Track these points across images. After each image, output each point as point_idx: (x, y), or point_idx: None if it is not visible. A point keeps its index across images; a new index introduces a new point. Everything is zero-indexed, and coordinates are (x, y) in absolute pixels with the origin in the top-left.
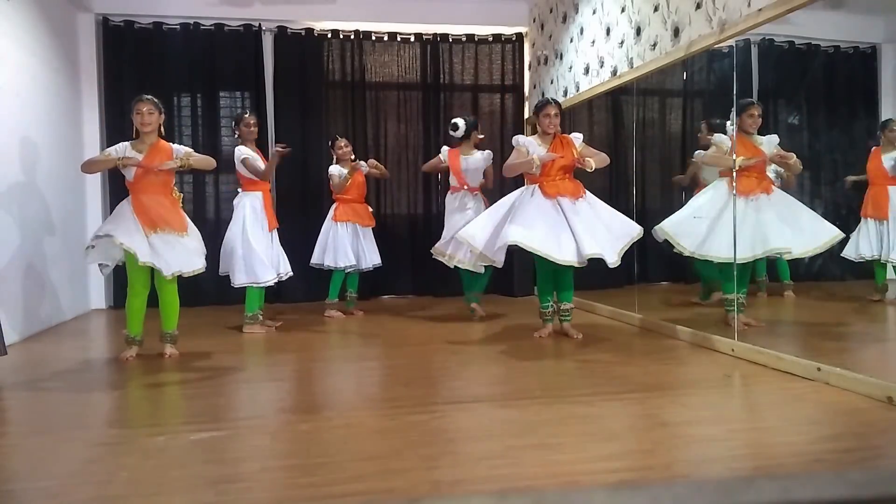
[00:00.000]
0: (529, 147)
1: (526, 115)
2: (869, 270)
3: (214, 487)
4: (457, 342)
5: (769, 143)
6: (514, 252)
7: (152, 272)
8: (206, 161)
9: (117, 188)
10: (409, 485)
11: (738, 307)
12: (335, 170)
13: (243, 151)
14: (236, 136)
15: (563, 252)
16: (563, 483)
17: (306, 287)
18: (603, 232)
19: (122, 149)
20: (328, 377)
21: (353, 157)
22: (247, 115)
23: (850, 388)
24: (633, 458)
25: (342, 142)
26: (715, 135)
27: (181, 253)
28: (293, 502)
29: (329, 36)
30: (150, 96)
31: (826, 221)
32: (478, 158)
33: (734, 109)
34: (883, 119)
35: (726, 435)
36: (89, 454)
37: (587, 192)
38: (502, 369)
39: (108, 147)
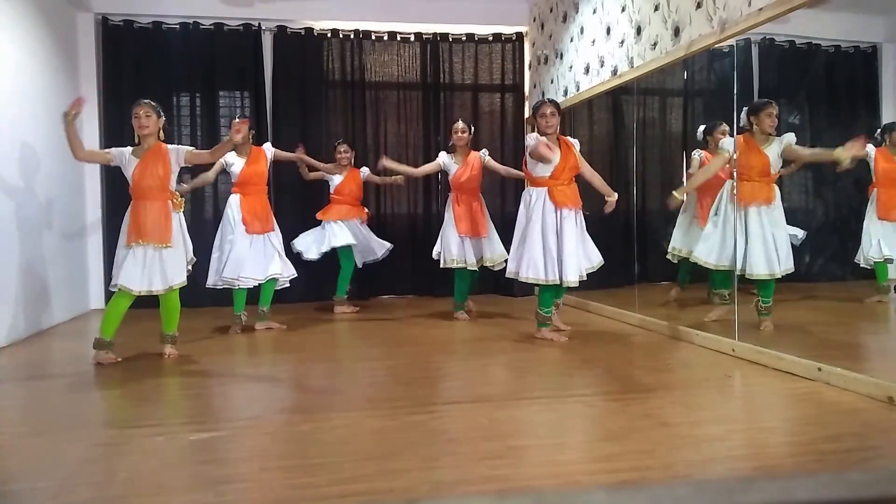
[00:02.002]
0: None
1: (526, 115)
2: (870, 271)
3: (214, 487)
4: (456, 342)
5: (781, 144)
6: None
7: None
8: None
9: (116, 188)
10: (409, 485)
11: (761, 311)
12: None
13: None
14: None
15: (554, 275)
16: (563, 483)
17: (306, 287)
18: (581, 250)
19: (124, 152)
20: (328, 377)
21: (351, 162)
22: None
23: (851, 388)
24: (633, 458)
25: (342, 147)
26: (721, 140)
27: (156, 269)
28: (293, 502)
29: (329, 35)
30: (147, 100)
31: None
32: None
33: (745, 109)
34: (885, 121)
35: (726, 435)
36: (89, 454)
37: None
38: (502, 369)
39: (107, 147)
